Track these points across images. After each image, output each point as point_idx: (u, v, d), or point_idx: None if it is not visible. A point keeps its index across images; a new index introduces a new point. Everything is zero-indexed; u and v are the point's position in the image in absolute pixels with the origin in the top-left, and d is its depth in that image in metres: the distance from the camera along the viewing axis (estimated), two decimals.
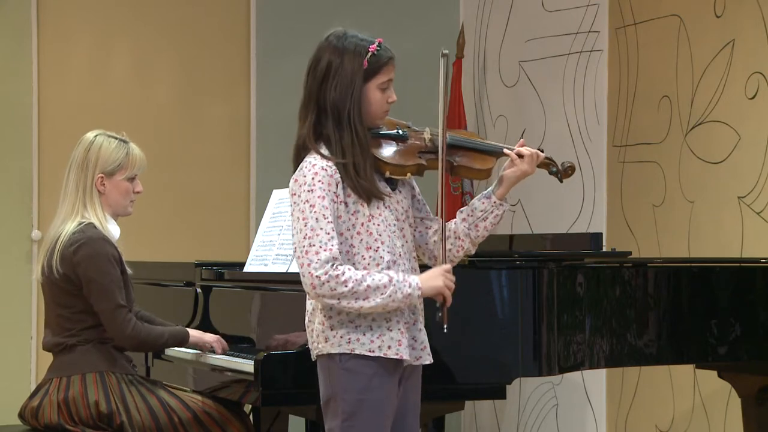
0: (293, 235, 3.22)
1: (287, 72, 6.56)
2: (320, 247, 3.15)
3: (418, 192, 3.48)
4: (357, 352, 3.23)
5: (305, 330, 3.41)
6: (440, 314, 3.28)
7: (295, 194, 3.23)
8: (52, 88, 6.32)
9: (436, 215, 3.44)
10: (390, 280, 3.19)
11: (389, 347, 3.24)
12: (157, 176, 6.41)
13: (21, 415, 4.09)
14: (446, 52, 3.33)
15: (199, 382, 4.19)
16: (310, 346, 3.34)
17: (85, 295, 3.97)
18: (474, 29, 6.82)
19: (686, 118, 5.45)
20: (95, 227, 4.01)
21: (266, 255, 4.37)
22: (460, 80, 6.62)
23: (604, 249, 4.71)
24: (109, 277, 3.95)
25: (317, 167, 3.22)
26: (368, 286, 3.17)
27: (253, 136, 6.62)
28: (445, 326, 3.30)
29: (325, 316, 3.26)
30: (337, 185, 3.22)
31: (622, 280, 4.21)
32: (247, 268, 4.44)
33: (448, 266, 3.29)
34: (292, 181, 3.27)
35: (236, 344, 4.20)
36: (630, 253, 4.51)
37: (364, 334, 3.24)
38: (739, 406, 4.80)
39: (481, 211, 3.37)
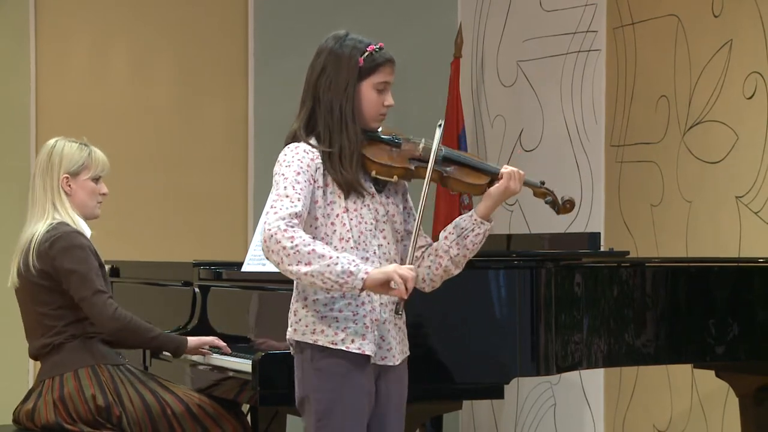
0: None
1: (286, 72, 6.55)
2: (282, 206, 3.14)
3: (411, 206, 3.47)
4: (320, 343, 3.23)
5: None
6: (397, 306, 3.18)
7: (275, 174, 3.25)
8: (51, 88, 6.33)
9: (425, 221, 3.41)
10: (338, 254, 3.12)
11: (352, 341, 3.23)
12: (155, 176, 6.43)
13: (16, 420, 4.07)
14: (441, 123, 3.35)
15: (196, 381, 4.19)
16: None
17: (65, 289, 3.97)
18: (472, 29, 6.82)
19: (684, 118, 5.45)
20: (68, 225, 4.03)
21: None
22: (458, 80, 6.62)
23: (602, 249, 4.71)
24: (86, 265, 3.96)
25: (299, 149, 3.26)
26: (313, 250, 3.09)
27: (251, 135, 6.62)
28: (401, 314, 3.19)
29: (297, 302, 3.28)
30: (316, 170, 3.24)
31: (619, 280, 4.21)
32: (245, 268, 4.44)
33: (408, 266, 3.17)
34: (275, 169, 3.28)
35: (234, 344, 4.19)
36: (628, 252, 4.49)
37: (329, 326, 3.23)
38: (736, 405, 4.79)
39: (462, 228, 3.33)
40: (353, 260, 3.12)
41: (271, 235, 3.10)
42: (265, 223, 3.13)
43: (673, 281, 4.33)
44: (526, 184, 3.43)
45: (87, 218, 4.14)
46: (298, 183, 3.18)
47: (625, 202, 5.80)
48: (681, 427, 5.45)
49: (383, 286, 3.12)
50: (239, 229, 6.60)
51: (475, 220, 3.32)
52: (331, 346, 3.23)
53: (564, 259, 4.13)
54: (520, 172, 3.37)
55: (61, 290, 3.99)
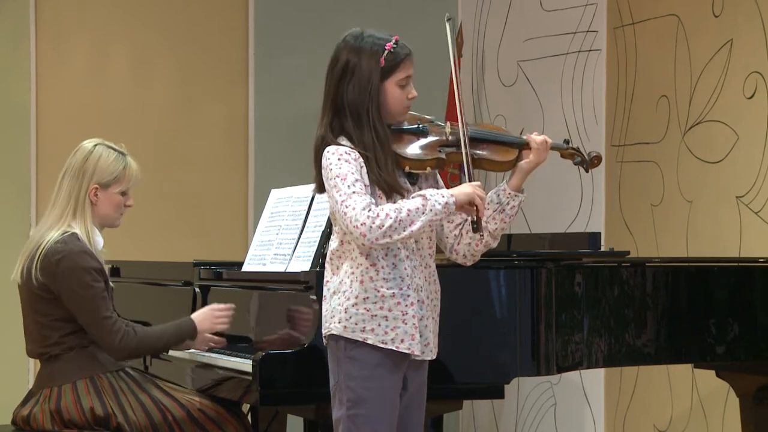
0: (331, 210, 3.24)
1: (286, 71, 6.56)
2: (354, 202, 3.18)
3: (442, 185, 3.49)
4: (369, 342, 3.25)
5: (305, 326, 3.45)
6: (476, 225, 3.28)
7: (327, 179, 3.25)
8: (50, 89, 6.32)
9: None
10: (424, 197, 3.22)
11: (402, 341, 3.26)
12: (155, 176, 6.41)
13: (14, 421, 4.05)
14: (450, 17, 3.39)
15: (197, 381, 4.18)
16: (322, 328, 3.36)
17: (68, 308, 3.92)
18: (472, 29, 6.81)
19: (684, 118, 5.43)
20: (78, 239, 3.95)
21: (264, 254, 4.36)
22: (458, 76, 6.59)
23: (603, 249, 4.66)
24: (91, 290, 3.89)
25: (340, 150, 3.26)
26: (408, 210, 3.19)
27: (251, 135, 6.61)
28: (483, 234, 3.34)
29: (346, 298, 3.28)
30: (361, 168, 3.25)
31: (620, 280, 4.21)
32: (245, 268, 4.43)
33: (477, 182, 3.31)
34: (325, 176, 3.28)
35: (235, 344, 4.18)
36: (628, 252, 4.48)
37: (379, 325, 3.26)
38: (737, 405, 4.78)
39: (497, 203, 3.39)
40: (436, 192, 3.24)
41: (370, 227, 3.16)
42: (352, 220, 3.17)
43: (674, 281, 4.33)
44: (553, 148, 3.50)
45: (106, 227, 4.08)
46: (358, 180, 3.21)
47: (626, 202, 5.79)
48: (681, 427, 5.44)
49: (464, 207, 3.27)
50: (239, 229, 6.59)
51: (509, 193, 3.40)
52: (382, 345, 3.25)
53: (564, 259, 4.14)
54: (547, 140, 3.44)
55: (60, 304, 3.94)
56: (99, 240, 4.04)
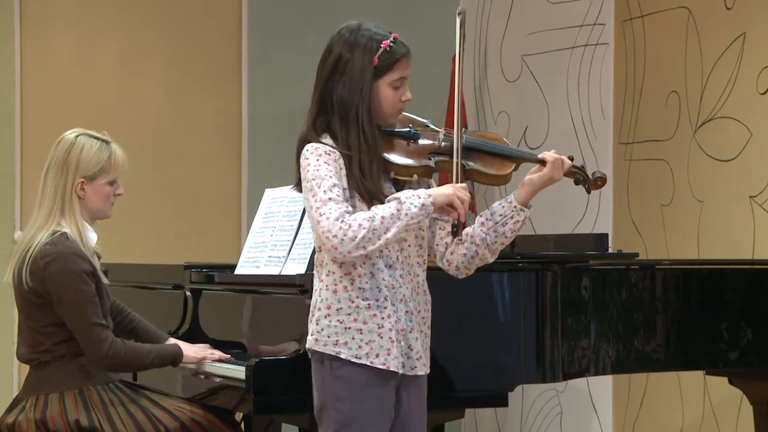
0: (309, 215, 3.17)
1: (280, 68, 6.63)
2: (329, 210, 3.10)
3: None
4: (343, 356, 3.17)
5: (301, 332, 3.38)
6: (455, 229, 3.20)
7: (304, 179, 3.18)
8: (35, 85, 6.35)
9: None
10: (399, 200, 3.13)
11: (377, 355, 3.17)
12: (146, 174, 6.50)
13: None
14: (462, 10, 3.30)
15: (188, 389, 4.17)
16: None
17: (58, 313, 3.87)
18: (474, 22, 6.83)
19: (695, 114, 5.43)
20: (68, 238, 3.89)
21: (258, 257, 4.33)
22: (461, 75, 6.56)
23: (610, 250, 4.74)
24: (81, 294, 3.83)
25: (320, 150, 3.18)
26: (382, 217, 3.10)
27: (244, 133, 6.67)
28: (462, 237, 3.25)
29: (320, 311, 3.21)
30: (340, 170, 3.17)
31: (628, 283, 4.19)
32: (238, 271, 4.40)
33: (462, 184, 3.21)
34: (303, 176, 3.21)
35: (227, 350, 4.15)
36: (637, 254, 4.47)
37: (353, 338, 3.17)
38: (751, 414, 4.77)
39: (500, 215, 3.28)
40: (412, 194, 3.14)
41: (342, 239, 3.08)
42: (324, 231, 3.10)
43: (684, 284, 4.31)
44: None
45: (97, 219, 4.03)
46: (335, 185, 3.13)
47: (634, 201, 5.79)
48: None
49: (443, 208, 3.18)
50: (232, 230, 6.61)
51: (515, 207, 3.28)
52: (355, 360, 3.17)
53: (571, 262, 4.12)
54: (565, 160, 3.31)
55: (51, 309, 3.89)
56: (92, 236, 3.99)
